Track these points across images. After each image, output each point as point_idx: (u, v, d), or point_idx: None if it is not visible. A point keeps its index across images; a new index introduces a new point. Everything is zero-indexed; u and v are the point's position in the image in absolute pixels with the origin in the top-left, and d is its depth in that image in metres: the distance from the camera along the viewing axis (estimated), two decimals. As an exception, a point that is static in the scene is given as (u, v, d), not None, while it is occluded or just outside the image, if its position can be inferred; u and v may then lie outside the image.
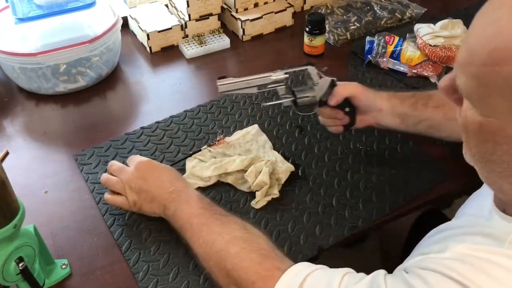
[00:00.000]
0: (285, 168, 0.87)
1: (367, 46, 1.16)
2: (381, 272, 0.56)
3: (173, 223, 0.76)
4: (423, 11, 1.33)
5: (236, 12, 1.27)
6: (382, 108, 0.85)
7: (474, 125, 0.47)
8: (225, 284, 0.66)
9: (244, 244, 0.66)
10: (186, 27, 1.25)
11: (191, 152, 0.92)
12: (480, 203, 0.61)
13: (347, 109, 0.85)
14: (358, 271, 0.60)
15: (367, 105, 0.86)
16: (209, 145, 0.92)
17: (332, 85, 0.83)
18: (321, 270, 0.60)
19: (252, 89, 0.81)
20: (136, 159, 0.81)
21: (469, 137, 0.50)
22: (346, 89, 0.84)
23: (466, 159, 0.53)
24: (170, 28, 1.23)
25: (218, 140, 0.93)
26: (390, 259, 0.60)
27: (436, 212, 1.00)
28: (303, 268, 0.61)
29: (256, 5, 1.29)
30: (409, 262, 0.56)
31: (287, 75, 0.82)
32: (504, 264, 0.46)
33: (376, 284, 0.53)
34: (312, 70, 0.84)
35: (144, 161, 0.80)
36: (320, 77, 0.84)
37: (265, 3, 1.30)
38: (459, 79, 0.47)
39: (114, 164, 0.82)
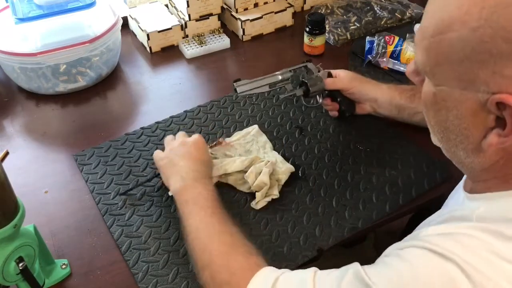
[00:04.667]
0: (285, 168, 0.87)
1: (367, 46, 1.16)
2: (357, 263, 0.57)
3: (179, 195, 0.77)
4: (423, 11, 1.33)
5: (236, 12, 1.27)
6: (378, 98, 0.95)
7: (430, 97, 0.54)
8: (202, 267, 0.68)
9: (236, 240, 0.69)
10: (186, 27, 1.25)
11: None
12: (457, 196, 0.64)
13: (339, 99, 0.97)
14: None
15: (360, 96, 0.96)
16: (210, 146, 0.92)
17: (330, 75, 0.97)
18: (291, 272, 0.62)
19: (264, 88, 0.91)
20: (189, 139, 0.85)
21: (428, 110, 0.55)
22: (336, 83, 0.95)
23: (433, 141, 0.60)
24: (170, 28, 1.23)
25: (218, 142, 0.93)
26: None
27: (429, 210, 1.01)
28: (272, 271, 0.63)
29: (256, 5, 1.29)
30: (388, 248, 0.58)
31: (291, 73, 0.94)
32: (475, 235, 0.49)
33: (352, 269, 0.55)
34: (311, 65, 0.97)
35: (191, 141, 0.84)
36: (319, 70, 0.96)
37: (265, 3, 1.30)
38: (416, 57, 0.54)
39: (168, 137, 0.88)
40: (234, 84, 0.90)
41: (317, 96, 0.97)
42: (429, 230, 0.54)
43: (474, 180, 0.59)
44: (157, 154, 0.85)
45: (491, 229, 0.49)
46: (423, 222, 0.67)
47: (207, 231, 0.70)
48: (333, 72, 0.97)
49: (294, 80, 0.97)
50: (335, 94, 0.96)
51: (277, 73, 0.93)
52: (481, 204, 0.54)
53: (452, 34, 0.48)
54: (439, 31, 0.49)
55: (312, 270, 0.59)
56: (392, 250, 0.56)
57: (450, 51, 0.48)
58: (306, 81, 0.94)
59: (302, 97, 0.96)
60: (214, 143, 0.93)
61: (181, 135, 0.87)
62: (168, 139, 0.87)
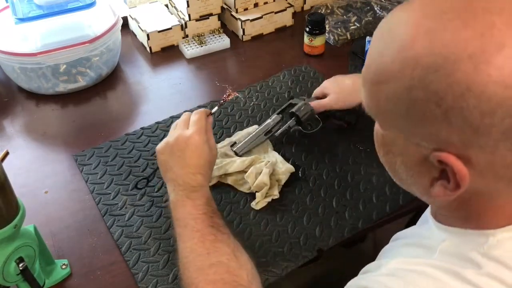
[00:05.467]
0: (285, 169, 0.87)
1: (367, 46, 1.16)
2: None
3: (172, 209, 0.73)
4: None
5: (236, 12, 1.27)
6: None
7: (380, 137, 0.52)
8: None
9: (225, 274, 0.65)
10: (186, 27, 1.25)
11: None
12: (426, 218, 0.62)
13: (338, 116, 0.96)
14: (356, 271, 0.60)
15: (347, 100, 0.94)
16: (220, 104, 0.83)
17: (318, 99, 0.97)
18: None
19: (260, 138, 0.93)
20: (186, 133, 0.75)
21: (379, 149, 0.54)
22: (322, 105, 0.94)
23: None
24: (170, 28, 1.23)
25: (228, 95, 0.83)
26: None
27: None
28: None
29: (256, 5, 1.29)
30: (350, 281, 0.57)
31: (280, 115, 0.95)
32: (431, 274, 0.48)
33: None
34: (295, 100, 0.98)
35: (187, 137, 0.74)
36: (304, 100, 0.96)
37: (265, 3, 1.30)
38: (362, 95, 0.51)
39: (184, 115, 0.80)
40: (231, 147, 0.91)
41: (314, 123, 0.96)
42: (389, 264, 0.53)
43: (435, 212, 0.57)
44: (158, 148, 0.78)
45: (450, 268, 0.48)
46: (394, 236, 0.66)
47: (195, 264, 0.67)
48: (318, 90, 0.97)
49: (286, 118, 0.96)
50: (333, 113, 0.96)
51: (268, 120, 0.93)
52: (447, 237, 0.53)
53: (388, 87, 0.45)
54: (377, 80, 0.47)
55: None
56: (352, 283, 0.55)
57: (388, 103, 0.46)
58: (293, 111, 0.93)
59: (299, 127, 0.95)
60: (224, 97, 0.82)
61: (181, 123, 0.78)
62: (173, 125, 0.80)
